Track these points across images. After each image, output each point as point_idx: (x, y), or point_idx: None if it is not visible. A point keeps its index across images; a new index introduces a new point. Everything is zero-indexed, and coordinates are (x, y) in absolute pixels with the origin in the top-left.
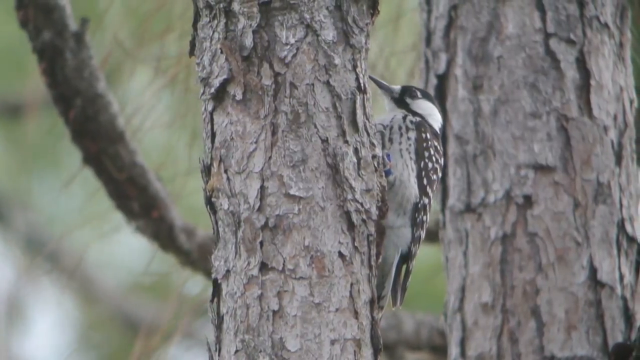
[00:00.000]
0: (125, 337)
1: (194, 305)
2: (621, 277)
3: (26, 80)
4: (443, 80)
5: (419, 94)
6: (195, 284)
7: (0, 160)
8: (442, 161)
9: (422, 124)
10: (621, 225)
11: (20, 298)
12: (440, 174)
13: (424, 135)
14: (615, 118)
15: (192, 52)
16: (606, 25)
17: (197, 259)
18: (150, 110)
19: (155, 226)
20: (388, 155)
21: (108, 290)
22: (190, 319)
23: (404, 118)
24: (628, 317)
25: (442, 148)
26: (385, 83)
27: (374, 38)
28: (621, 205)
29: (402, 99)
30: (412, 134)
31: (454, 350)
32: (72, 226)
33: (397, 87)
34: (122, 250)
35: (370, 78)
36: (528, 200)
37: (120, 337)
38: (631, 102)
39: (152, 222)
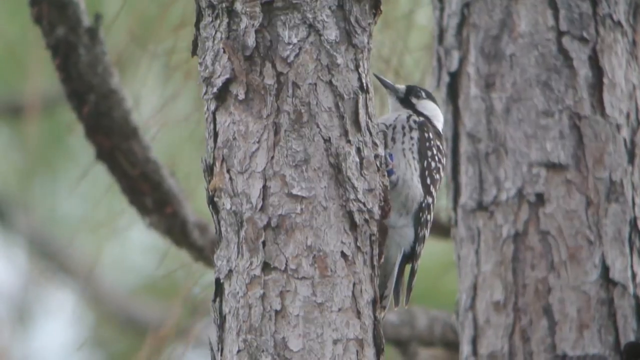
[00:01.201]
0: (132, 338)
1: (200, 306)
2: (633, 276)
3: (31, 81)
4: (455, 78)
5: (423, 94)
6: (203, 285)
7: (5, 161)
8: (444, 161)
9: (424, 124)
10: (634, 224)
11: (27, 299)
12: (442, 174)
13: (426, 135)
14: (628, 116)
15: (194, 52)
16: (619, 23)
17: (210, 254)
18: (164, 106)
19: (169, 222)
20: (390, 155)
21: (115, 291)
22: (197, 319)
23: (408, 118)
24: None
25: (444, 148)
26: (390, 82)
27: (387, 35)
28: (634, 203)
29: (408, 98)
30: (415, 134)
31: (465, 349)
32: (80, 227)
33: (402, 87)
34: (130, 251)
35: (376, 77)
36: (540, 199)
37: (127, 338)
38: None
39: (165, 217)
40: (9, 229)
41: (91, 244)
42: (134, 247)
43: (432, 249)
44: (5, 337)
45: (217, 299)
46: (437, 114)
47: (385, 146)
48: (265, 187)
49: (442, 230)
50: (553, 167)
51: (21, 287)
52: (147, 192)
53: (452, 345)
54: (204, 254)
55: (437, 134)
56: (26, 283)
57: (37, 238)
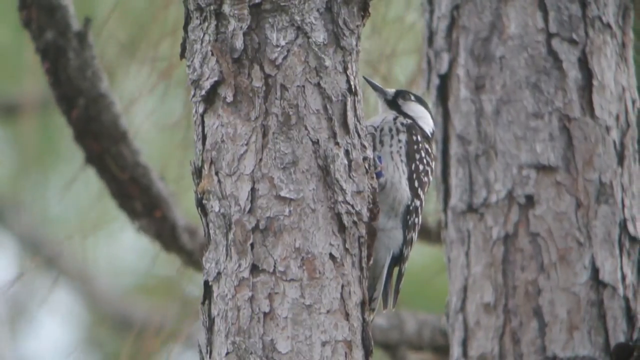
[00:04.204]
0: (126, 338)
1: (193, 307)
2: (623, 277)
3: (24, 81)
4: (445, 80)
5: (412, 97)
6: (196, 286)
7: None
8: (433, 164)
9: (412, 126)
10: (623, 225)
11: (20, 300)
12: (431, 177)
13: (414, 138)
14: (617, 118)
15: (182, 55)
16: (608, 26)
17: (199, 258)
18: (153, 110)
19: (158, 226)
20: (379, 157)
21: (110, 292)
22: (189, 320)
23: (395, 119)
24: (630, 317)
25: (433, 151)
26: (379, 85)
27: (377, 38)
28: (623, 205)
29: (395, 100)
30: (403, 136)
31: (456, 351)
32: (74, 228)
33: (391, 90)
34: (124, 251)
35: (365, 79)
36: (530, 200)
37: (122, 338)
38: (633, 102)
39: (154, 221)
40: (5, 229)
41: (85, 245)
42: (128, 247)
43: (422, 253)
44: (4, 336)
45: (206, 302)
46: (424, 116)
47: (374, 148)
48: (253, 190)
49: (430, 234)
50: (543, 168)
51: (14, 288)
52: (136, 195)
53: (441, 350)
54: (193, 258)
55: (426, 137)
56: (19, 284)
57: (31, 239)
